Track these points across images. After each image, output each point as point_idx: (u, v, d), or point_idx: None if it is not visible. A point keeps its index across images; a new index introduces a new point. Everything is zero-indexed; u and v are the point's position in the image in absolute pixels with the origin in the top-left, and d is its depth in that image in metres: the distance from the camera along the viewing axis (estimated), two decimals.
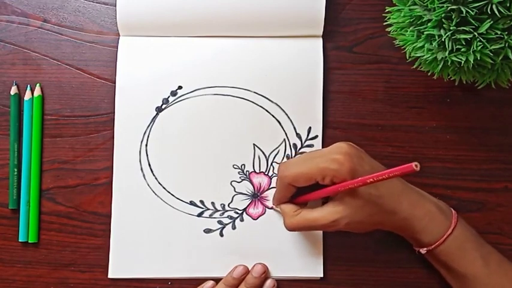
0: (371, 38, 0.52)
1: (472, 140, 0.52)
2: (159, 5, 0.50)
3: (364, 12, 0.53)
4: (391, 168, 0.39)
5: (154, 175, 0.51)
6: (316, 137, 0.51)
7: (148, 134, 0.51)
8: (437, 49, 0.42)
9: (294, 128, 0.51)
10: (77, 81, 0.52)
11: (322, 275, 0.50)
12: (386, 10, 0.46)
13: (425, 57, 0.42)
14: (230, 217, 0.51)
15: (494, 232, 0.51)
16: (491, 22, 0.39)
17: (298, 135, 0.51)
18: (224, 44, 0.52)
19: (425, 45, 0.42)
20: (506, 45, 0.40)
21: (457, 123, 0.52)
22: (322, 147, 0.51)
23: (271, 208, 0.51)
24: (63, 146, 0.52)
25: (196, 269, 0.50)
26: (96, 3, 0.53)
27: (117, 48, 0.52)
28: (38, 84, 0.52)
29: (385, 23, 0.46)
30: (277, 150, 0.51)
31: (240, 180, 0.51)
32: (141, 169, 0.51)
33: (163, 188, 0.51)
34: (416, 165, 0.36)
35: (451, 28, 0.40)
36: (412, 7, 0.42)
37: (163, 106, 0.52)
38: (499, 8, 0.38)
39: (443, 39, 0.40)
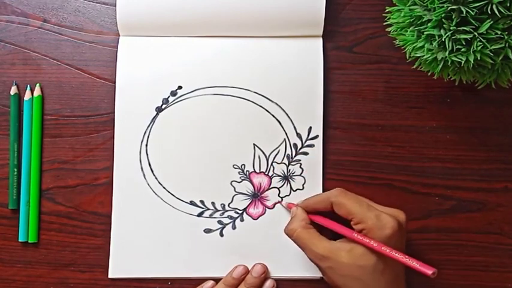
0: (371, 38, 0.52)
1: (472, 140, 0.52)
2: (159, 5, 0.50)
3: (364, 12, 0.53)
4: (411, 257, 0.40)
5: (154, 175, 0.51)
6: (316, 136, 0.51)
7: (149, 134, 0.51)
8: (438, 49, 0.42)
9: (295, 127, 0.51)
10: (77, 81, 0.52)
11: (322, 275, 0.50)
12: (387, 10, 0.46)
13: (425, 57, 0.42)
14: (230, 217, 0.51)
15: (495, 232, 0.51)
16: (492, 22, 0.39)
17: (299, 135, 0.51)
18: (224, 44, 0.52)
19: (425, 45, 0.42)
20: (507, 45, 0.40)
21: (457, 123, 0.52)
22: (323, 147, 0.51)
23: (279, 203, 0.51)
24: (63, 146, 0.52)
25: (196, 269, 0.50)
26: (96, 3, 0.53)
27: (117, 48, 0.52)
28: (37, 84, 0.52)
29: (385, 23, 0.46)
30: (277, 150, 0.51)
31: (240, 180, 0.51)
32: (141, 169, 0.51)
33: (164, 187, 0.51)
34: (433, 273, 0.39)
35: (451, 28, 0.40)
36: (412, 7, 0.42)
37: (163, 106, 0.52)
38: (499, 8, 0.38)
39: (443, 39, 0.40)
